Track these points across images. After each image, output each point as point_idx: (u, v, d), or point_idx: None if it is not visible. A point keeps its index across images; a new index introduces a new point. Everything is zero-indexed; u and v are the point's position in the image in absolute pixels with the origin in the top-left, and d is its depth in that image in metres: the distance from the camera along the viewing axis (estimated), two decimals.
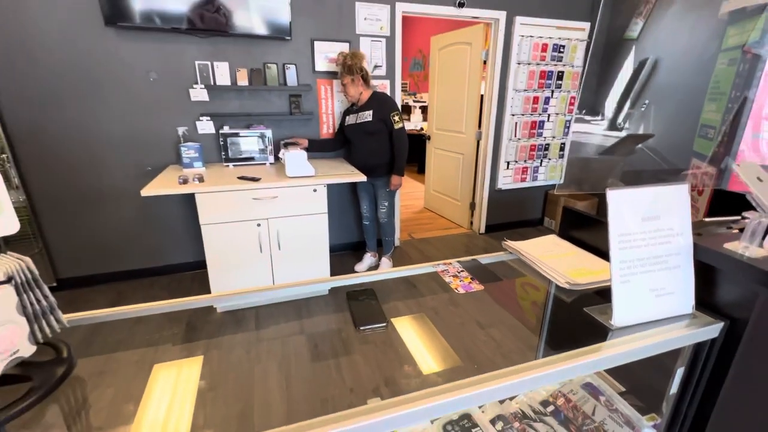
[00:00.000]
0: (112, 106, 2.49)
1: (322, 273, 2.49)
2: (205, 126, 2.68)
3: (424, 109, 6.85)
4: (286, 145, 2.62)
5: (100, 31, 2.33)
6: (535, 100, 3.52)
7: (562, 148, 3.82)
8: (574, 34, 3.45)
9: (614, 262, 0.69)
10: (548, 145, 3.75)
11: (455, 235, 3.85)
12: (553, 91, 3.56)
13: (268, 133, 2.66)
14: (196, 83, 2.59)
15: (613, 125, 3.05)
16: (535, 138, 3.67)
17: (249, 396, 0.82)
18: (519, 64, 3.36)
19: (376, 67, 2.98)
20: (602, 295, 0.79)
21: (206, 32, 2.46)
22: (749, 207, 0.71)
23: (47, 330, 0.60)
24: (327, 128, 3.01)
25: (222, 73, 2.61)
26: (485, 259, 1.03)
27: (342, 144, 2.92)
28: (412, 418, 0.52)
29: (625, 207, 0.69)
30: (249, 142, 2.63)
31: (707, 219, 0.93)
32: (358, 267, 3.07)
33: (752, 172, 0.69)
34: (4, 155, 2.31)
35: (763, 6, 1.74)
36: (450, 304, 0.96)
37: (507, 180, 3.73)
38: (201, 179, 2.17)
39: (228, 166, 2.61)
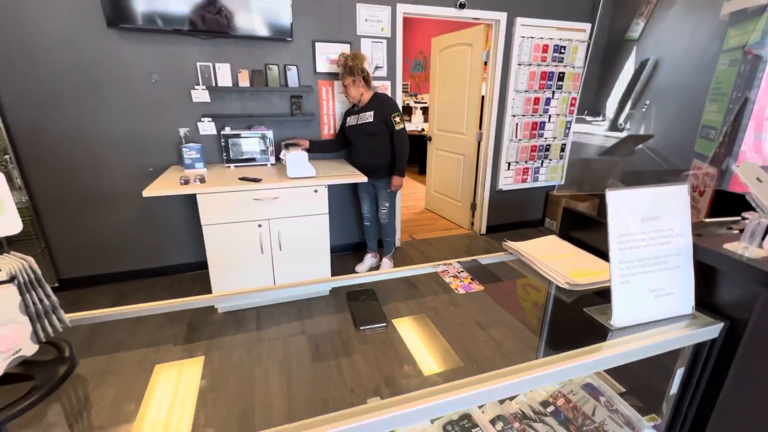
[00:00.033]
0: (114, 107, 2.50)
1: (323, 274, 2.49)
2: (207, 127, 2.69)
3: (425, 110, 6.85)
4: (287, 146, 2.63)
5: (102, 32, 2.34)
6: (536, 101, 3.52)
7: (563, 149, 3.82)
8: (575, 35, 3.45)
9: (614, 263, 0.69)
10: (549, 145, 3.75)
11: (456, 236, 3.85)
12: (554, 92, 3.56)
13: (270, 134, 2.66)
14: (198, 84, 2.60)
15: (614, 126, 3.05)
16: (536, 139, 3.67)
17: (250, 396, 0.83)
18: (520, 65, 3.36)
19: (377, 68, 2.99)
20: (602, 295, 0.79)
21: (208, 34, 2.47)
22: (750, 208, 0.72)
23: (49, 329, 0.61)
24: (328, 129, 3.01)
25: (223, 75, 2.62)
26: (485, 259, 1.03)
27: (343, 145, 2.93)
28: (412, 418, 0.52)
29: (625, 207, 0.69)
30: (250, 143, 2.64)
31: (707, 220, 0.93)
32: (359, 268, 3.07)
33: (752, 172, 0.69)
34: (6, 156, 2.33)
35: (764, 7, 1.74)
36: (450, 304, 0.96)
37: (508, 181, 3.73)
38: (202, 180, 2.17)
39: (229, 166, 2.62)
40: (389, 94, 3.03)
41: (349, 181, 2.40)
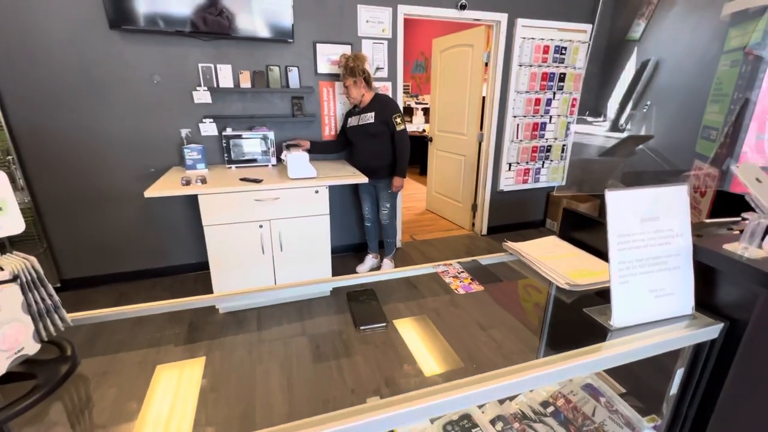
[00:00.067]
0: (116, 108, 2.51)
1: (323, 274, 2.50)
2: (208, 128, 2.70)
3: (426, 111, 6.86)
4: (288, 147, 2.64)
5: (104, 34, 2.35)
6: (537, 101, 3.53)
7: (564, 150, 3.81)
8: (576, 36, 3.45)
9: (613, 263, 0.69)
10: (550, 146, 3.74)
11: (457, 237, 3.85)
12: (555, 93, 3.56)
13: (271, 135, 2.67)
14: (199, 86, 2.61)
15: (615, 126, 3.05)
16: (537, 140, 3.67)
17: (251, 397, 0.83)
18: (521, 65, 3.37)
19: (378, 69, 3.00)
20: (602, 296, 0.79)
21: (209, 35, 2.48)
22: (750, 208, 0.72)
23: (51, 328, 0.61)
24: (329, 130, 3.02)
25: (225, 76, 2.63)
26: (485, 260, 1.03)
27: (344, 146, 2.94)
28: (411, 417, 0.52)
29: (624, 208, 0.69)
30: (251, 143, 2.65)
31: (707, 220, 0.93)
32: (360, 268, 3.07)
33: (751, 173, 0.70)
34: (9, 157, 2.34)
35: (765, 8, 1.74)
36: (451, 305, 0.97)
37: (509, 181, 3.73)
38: (204, 181, 2.18)
39: (230, 167, 2.63)
40: (390, 95, 3.03)
41: (350, 181, 2.41)
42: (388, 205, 2.85)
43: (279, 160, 2.76)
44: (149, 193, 1.97)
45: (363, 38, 2.89)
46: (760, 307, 0.67)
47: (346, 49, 2.84)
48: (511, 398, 0.94)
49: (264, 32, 2.55)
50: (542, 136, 3.68)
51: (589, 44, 3.47)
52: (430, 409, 0.53)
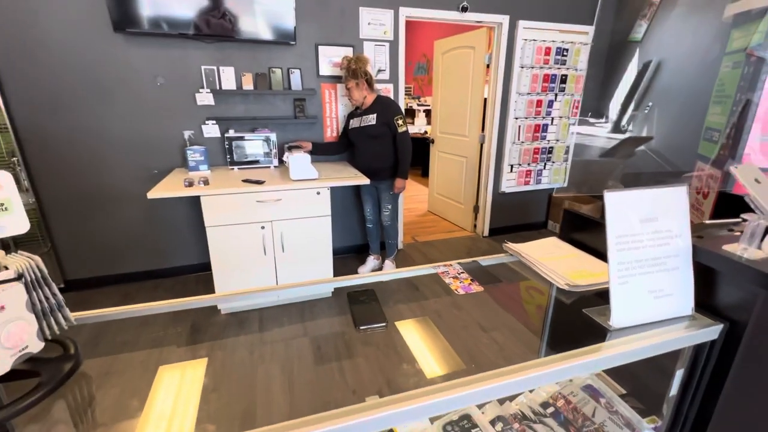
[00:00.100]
0: (119, 110, 2.53)
1: (325, 275, 2.50)
2: (211, 130, 2.72)
3: (428, 113, 6.87)
4: (290, 149, 2.65)
5: (108, 36, 2.37)
6: (539, 103, 3.53)
7: (566, 151, 3.81)
8: (578, 38, 3.45)
9: (612, 264, 0.69)
10: (552, 148, 3.74)
11: (459, 238, 3.84)
12: (556, 95, 3.56)
13: (273, 136, 2.69)
14: (202, 88, 2.63)
15: (617, 128, 3.05)
16: (538, 141, 3.67)
17: (252, 398, 0.83)
18: (522, 67, 3.37)
19: (379, 71, 3.01)
20: (602, 296, 0.79)
21: (212, 38, 2.50)
22: (750, 209, 0.72)
23: (55, 327, 0.62)
24: (331, 132, 3.03)
25: (228, 78, 2.65)
26: (486, 261, 1.04)
27: (346, 147, 2.95)
28: (410, 416, 0.53)
29: (624, 209, 0.70)
30: (254, 145, 2.66)
31: (708, 221, 0.93)
32: (362, 269, 3.08)
33: (750, 174, 0.70)
34: (14, 158, 2.36)
35: (767, 9, 1.74)
36: (451, 306, 0.97)
37: (510, 183, 3.73)
38: (206, 182, 2.19)
39: (233, 169, 2.64)
40: (392, 97, 3.04)
41: (352, 183, 2.41)
42: (389, 207, 2.85)
43: (281, 161, 2.77)
44: (152, 194, 1.98)
45: (365, 40, 2.90)
46: (759, 308, 0.67)
47: (348, 52, 2.85)
48: (511, 399, 0.94)
49: (266, 34, 2.56)
50: (544, 138, 3.68)
51: (591, 46, 3.47)
52: (428, 408, 0.54)
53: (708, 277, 0.75)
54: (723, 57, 2.03)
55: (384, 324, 0.81)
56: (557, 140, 3.73)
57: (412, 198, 5.29)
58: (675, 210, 0.72)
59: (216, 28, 2.44)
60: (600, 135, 3.26)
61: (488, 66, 3.45)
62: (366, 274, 0.98)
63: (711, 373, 0.74)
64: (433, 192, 4.58)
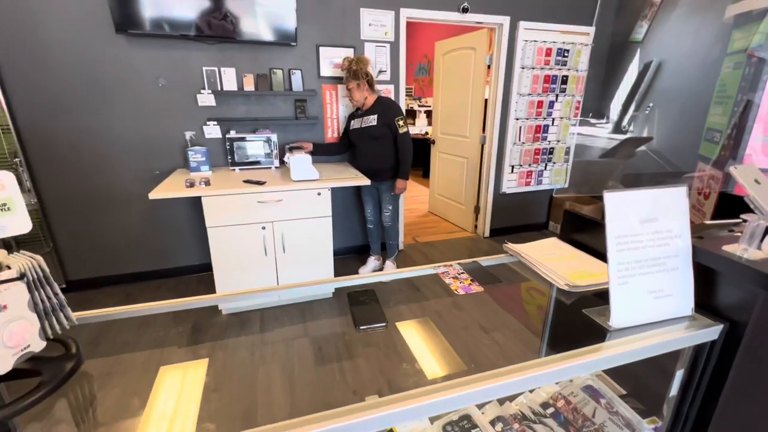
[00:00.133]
0: (121, 111, 2.54)
1: (326, 276, 2.50)
2: (212, 130, 2.72)
3: (429, 114, 6.87)
4: (291, 149, 2.65)
5: (111, 38, 2.38)
6: (540, 104, 3.53)
7: (567, 152, 3.81)
8: (579, 39, 3.45)
9: (612, 264, 0.69)
10: (553, 149, 3.74)
11: (459, 239, 3.84)
12: (557, 95, 3.56)
13: (274, 137, 2.69)
14: (204, 89, 2.63)
15: (617, 128, 3.05)
16: (539, 142, 3.67)
17: (253, 399, 0.84)
18: (523, 68, 3.37)
19: (380, 72, 3.01)
20: (602, 297, 0.79)
21: (214, 39, 2.51)
22: (750, 210, 0.72)
23: (57, 326, 0.62)
24: (332, 132, 3.04)
25: (229, 79, 2.65)
26: (486, 261, 1.04)
27: (346, 148, 2.95)
28: (409, 415, 0.53)
29: (623, 209, 0.70)
30: (255, 146, 2.67)
31: (708, 222, 0.93)
32: (362, 270, 3.08)
33: (750, 174, 0.70)
34: (17, 159, 2.37)
35: (767, 9, 1.74)
36: (453, 307, 0.97)
37: (511, 184, 3.73)
38: (207, 183, 2.20)
39: (234, 169, 2.65)
40: (393, 98, 3.05)
41: (353, 184, 2.42)
42: (390, 208, 2.86)
43: (282, 162, 2.78)
44: (154, 194, 1.99)
45: (366, 41, 2.91)
46: (759, 309, 0.67)
47: (349, 53, 2.86)
48: (511, 399, 0.94)
49: (268, 36, 2.57)
50: (545, 139, 3.68)
51: (592, 46, 3.47)
52: (428, 407, 0.54)
53: (708, 277, 0.75)
54: (724, 58, 2.03)
55: (384, 324, 0.81)
56: (558, 141, 3.73)
57: (413, 199, 5.29)
58: (675, 210, 0.72)
59: (217, 30, 2.45)
60: (601, 135, 3.26)
61: (489, 67, 3.45)
62: (366, 275, 0.98)
63: (711, 373, 0.74)
64: (434, 193, 4.58)
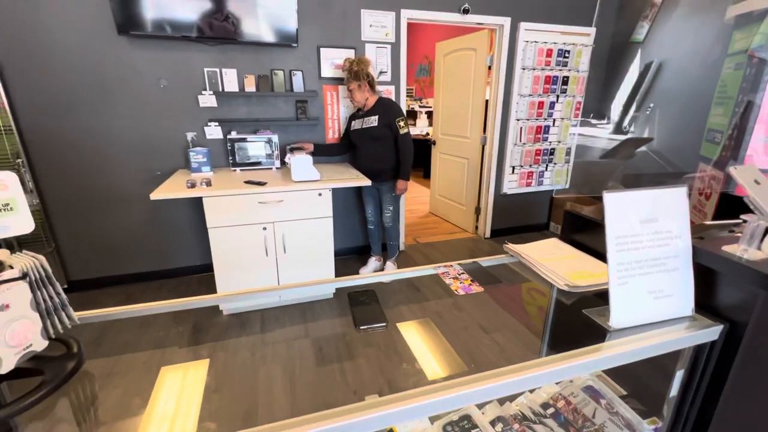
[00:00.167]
0: (123, 112, 2.55)
1: (326, 277, 2.51)
2: (213, 131, 2.73)
3: (429, 115, 6.88)
4: (292, 150, 2.66)
5: (112, 39, 2.39)
6: (540, 104, 3.53)
7: (567, 153, 3.81)
8: (579, 39, 3.45)
9: (612, 264, 0.70)
10: (554, 149, 3.74)
11: (460, 240, 3.84)
12: (558, 96, 3.56)
13: (275, 138, 2.70)
14: (205, 90, 2.64)
15: (618, 129, 3.05)
16: (540, 143, 3.67)
17: (254, 399, 0.84)
18: (524, 69, 3.37)
19: (381, 73, 3.02)
20: (602, 297, 0.79)
21: (215, 40, 2.52)
22: (750, 210, 0.72)
23: (59, 326, 0.63)
24: (333, 133, 3.04)
25: (230, 80, 2.66)
26: (486, 261, 1.04)
27: (347, 149, 2.95)
28: (409, 415, 0.53)
29: (623, 209, 0.70)
30: (256, 147, 2.67)
31: (709, 222, 0.93)
32: (363, 271, 3.08)
33: (750, 175, 0.70)
34: (19, 160, 2.38)
35: (767, 10, 1.73)
36: (453, 307, 0.97)
37: (512, 185, 3.73)
38: (208, 183, 2.21)
39: (235, 170, 2.66)
40: (393, 99, 3.05)
41: (354, 184, 2.42)
42: (391, 208, 2.86)
43: (283, 163, 2.79)
44: (155, 195, 2.00)
45: (366, 42, 2.92)
46: (759, 309, 0.67)
47: (350, 54, 2.86)
48: (511, 399, 0.94)
49: (269, 37, 2.58)
50: (545, 139, 3.68)
51: (593, 47, 3.47)
52: (428, 407, 0.54)
53: (708, 277, 0.75)
54: (725, 58, 2.02)
55: (384, 324, 0.81)
56: (559, 142, 3.73)
57: (414, 199, 5.30)
58: (675, 211, 0.72)
59: (219, 31, 2.46)
60: (601, 136, 3.26)
61: (490, 68, 3.45)
62: (366, 275, 0.98)
63: (711, 374, 0.74)
64: (435, 193, 4.58)
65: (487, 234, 3.85)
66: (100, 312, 0.77)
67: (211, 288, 2.66)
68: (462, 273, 0.96)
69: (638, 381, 0.96)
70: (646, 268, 0.71)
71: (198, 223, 2.88)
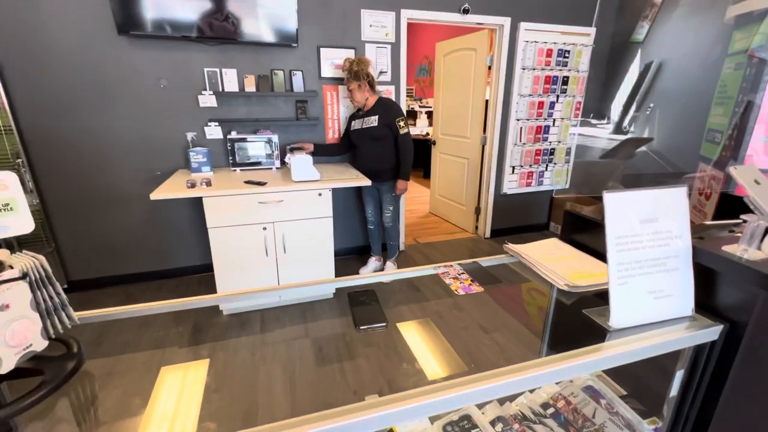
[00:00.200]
0: (123, 112, 2.55)
1: (326, 277, 2.51)
2: (213, 131, 2.73)
3: (429, 115, 6.88)
4: (292, 150, 2.66)
5: (112, 39, 2.39)
6: (540, 104, 3.53)
7: (567, 153, 3.81)
8: (580, 39, 3.45)
9: (612, 264, 0.70)
10: (554, 149, 3.74)
11: (460, 240, 3.84)
12: (558, 96, 3.56)
13: (275, 138, 2.70)
14: (205, 90, 2.64)
15: (618, 129, 3.05)
16: (540, 143, 3.67)
17: (254, 399, 0.84)
18: (524, 69, 3.37)
19: (381, 73, 3.02)
20: (602, 297, 0.79)
21: (215, 40, 2.52)
22: (750, 210, 0.72)
23: (59, 326, 0.63)
24: (332, 133, 3.04)
25: (230, 80, 2.66)
26: (486, 261, 1.04)
27: (347, 149, 2.95)
28: (409, 414, 0.53)
29: (623, 210, 0.70)
30: (256, 147, 2.67)
31: (709, 222, 0.93)
32: (363, 271, 3.08)
33: (750, 175, 0.70)
34: (19, 160, 2.38)
35: (767, 10, 1.74)
36: (453, 307, 0.97)
37: (512, 185, 3.73)
38: (208, 183, 2.21)
39: (235, 170, 2.66)
40: (393, 99, 3.05)
41: (354, 184, 2.42)
42: (391, 208, 2.86)
43: (283, 163, 2.79)
44: (155, 195, 2.00)
45: (366, 42, 2.92)
46: (759, 309, 0.67)
47: (350, 54, 2.86)
48: (511, 399, 0.94)
49: (269, 37, 2.58)
50: (546, 140, 3.68)
51: (593, 47, 3.47)
52: (427, 407, 0.54)
53: (708, 277, 0.75)
54: (725, 58, 2.02)
55: (384, 324, 0.81)
56: (559, 142, 3.73)
57: (414, 199, 5.30)
58: (675, 211, 0.72)
59: (219, 31, 2.46)
60: (601, 136, 3.26)
61: (490, 68, 3.45)
62: (366, 275, 0.98)
63: (711, 374, 0.74)
64: (435, 193, 4.59)
65: (487, 234, 3.85)
66: (100, 312, 0.77)
67: (211, 288, 2.66)
68: (462, 273, 0.96)
69: (638, 381, 0.96)
70: (646, 268, 0.71)
71: (198, 223, 2.88)
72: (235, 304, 1.92)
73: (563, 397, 0.93)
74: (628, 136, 2.94)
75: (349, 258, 3.34)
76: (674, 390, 0.78)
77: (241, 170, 2.66)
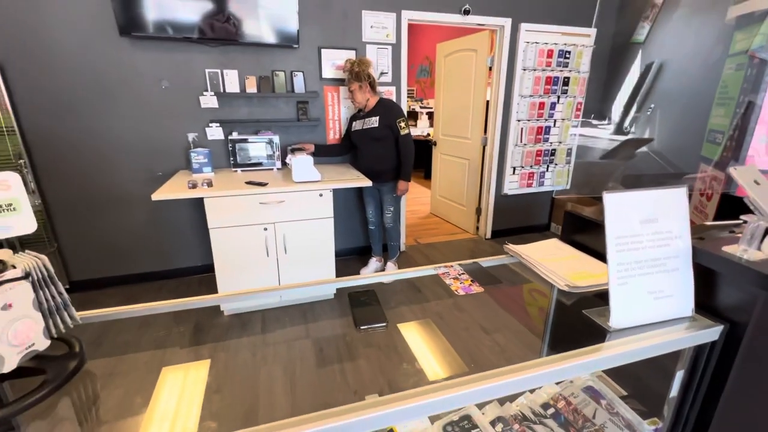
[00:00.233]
0: (124, 113, 2.56)
1: (327, 277, 2.51)
2: (215, 132, 2.74)
3: (430, 115, 6.88)
4: (293, 151, 2.66)
5: (114, 40, 2.40)
6: (541, 105, 3.53)
7: (568, 154, 3.81)
8: (580, 40, 3.45)
9: (611, 265, 0.70)
10: (554, 150, 3.74)
11: (461, 240, 3.84)
12: (559, 97, 3.56)
13: (276, 138, 2.70)
14: (206, 91, 2.65)
15: (619, 129, 3.04)
16: (541, 143, 3.67)
17: (255, 399, 0.84)
18: (524, 70, 3.37)
19: (382, 74, 3.02)
20: (602, 297, 0.79)
21: (216, 41, 2.53)
22: (750, 211, 0.72)
23: (61, 326, 0.63)
24: (333, 134, 3.05)
25: (231, 81, 2.67)
26: (487, 262, 1.04)
27: (348, 149, 2.96)
28: (409, 414, 0.53)
29: (623, 210, 0.70)
30: (257, 147, 2.68)
31: (709, 223, 0.93)
32: (364, 271, 3.08)
33: (749, 175, 0.70)
34: (21, 161, 2.39)
35: (767, 11, 1.74)
36: (453, 307, 0.97)
37: (513, 185, 3.73)
38: (210, 184, 2.21)
39: (236, 171, 2.66)
40: (394, 99, 3.06)
41: (354, 185, 2.42)
42: (391, 209, 2.86)
43: (284, 163, 2.79)
44: (156, 196, 2.00)
45: (367, 43, 2.92)
46: (759, 309, 0.67)
47: (351, 55, 2.87)
48: (512, 399, 0.95)
49: (270, 38, 2.59)
50: (546, 140, 3.68)
51: (594, 48, 3.47)
52: (427, 406, 0.54)
53: (708, 278, 0.75)
54: (726, 59, 2.02)
55: (384, 324, 0.81)
56: (560, 142, 3.73)
57: (415, 200, 5.30)
58: (675, 211, 0.72)
59: (220, 32, 2.47)
60: (602, 137, 3.25)
61: (490, 68, 3.46)
62: (366, 275, 0.98)
63: (711, 374, 0.74)
64: (436, 194, 4.59)
65: (488, 235, 3.85)
66: (101, 312, 0.77)
67: (212, 288, 2.67)
68: (462, 273, 0.96)
69: (638, 381, 0.96)
70: (646, 269, 0.71)
71: (199, 224, 2.89)
72: (236, 305, 1.92)
73: (563, 397, 0.93)
74: (629, 136, 2.94)
75: (349, 258, 3.35)
76: (674, 390, 0.78)
77: (242, 171, 2.67)
